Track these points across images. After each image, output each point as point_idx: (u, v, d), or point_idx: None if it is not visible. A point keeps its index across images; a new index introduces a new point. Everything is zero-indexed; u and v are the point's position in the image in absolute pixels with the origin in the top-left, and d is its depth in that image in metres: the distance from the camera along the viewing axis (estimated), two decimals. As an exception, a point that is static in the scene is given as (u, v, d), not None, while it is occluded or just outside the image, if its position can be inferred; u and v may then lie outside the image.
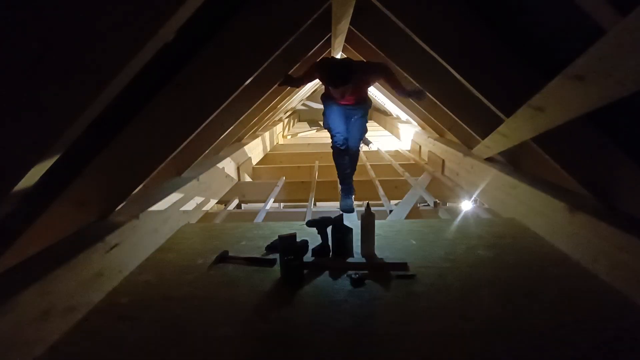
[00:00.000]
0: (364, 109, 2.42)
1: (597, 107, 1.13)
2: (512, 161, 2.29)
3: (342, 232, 1.58)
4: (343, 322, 1.14)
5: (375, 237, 1.60)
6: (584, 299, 1.24)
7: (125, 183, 1.54)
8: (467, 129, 2.44)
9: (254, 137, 4.34)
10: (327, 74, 2.11)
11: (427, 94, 2.33)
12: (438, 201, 2.60)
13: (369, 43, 2.54)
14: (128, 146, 1.44)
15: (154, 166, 1.59)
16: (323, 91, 2.43)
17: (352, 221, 2.00)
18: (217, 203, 2.87)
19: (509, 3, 1.40)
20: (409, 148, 4.96)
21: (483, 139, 2.28)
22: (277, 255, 1.53)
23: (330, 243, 1.60)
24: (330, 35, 2.57)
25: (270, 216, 2.47)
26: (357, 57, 3.36)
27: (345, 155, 2.47)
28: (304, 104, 9.11)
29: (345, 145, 2.41)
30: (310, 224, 1.60)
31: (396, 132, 6.20)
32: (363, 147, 4.72)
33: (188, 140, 1.64)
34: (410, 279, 1.37)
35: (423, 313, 1.18)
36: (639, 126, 1.27)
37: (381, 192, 2.92)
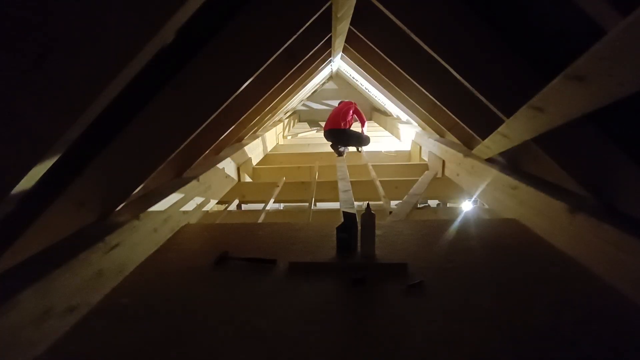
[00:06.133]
0: None
1: (597, 108, 1.13)
2: (513, 161, 2.29)
3: (347, 231, 1.58)
4: (343, 322, 1.15)
5: (376, 238, 1.60)
6: (584, 299, 1.24)
7: (125, 183, 1.54)
8: (468, 129, 2.44)
9: (254, 137, 4.34)
10: None
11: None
12: (439, 202, 2.60)
13: (369, 43, 2.54)
14: (128, 146, 1.45)
15: (154, 166, 1.60)
16: None
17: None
18: (217, 203, 2.87)
19: (510, 3, 1.40)
20: (409, 148, 4.96)
21: (483, 139, 2.28)
22: (277, 255, 1.55)
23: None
24: (331, 36, 2.58)
25: (271, 216, 2.48)
26: (357, 57, 3.36)
27: None
28: (304, 105, 9.12)
29: None
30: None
31: (396, 133, 6.19)
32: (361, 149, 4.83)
33: (188, 140, 1.64)
34: (408, 280, 1.38)
35: (422, 313, 1.18)
36: (639, 126, 1.27)
37: (381, 192, 2.92)
